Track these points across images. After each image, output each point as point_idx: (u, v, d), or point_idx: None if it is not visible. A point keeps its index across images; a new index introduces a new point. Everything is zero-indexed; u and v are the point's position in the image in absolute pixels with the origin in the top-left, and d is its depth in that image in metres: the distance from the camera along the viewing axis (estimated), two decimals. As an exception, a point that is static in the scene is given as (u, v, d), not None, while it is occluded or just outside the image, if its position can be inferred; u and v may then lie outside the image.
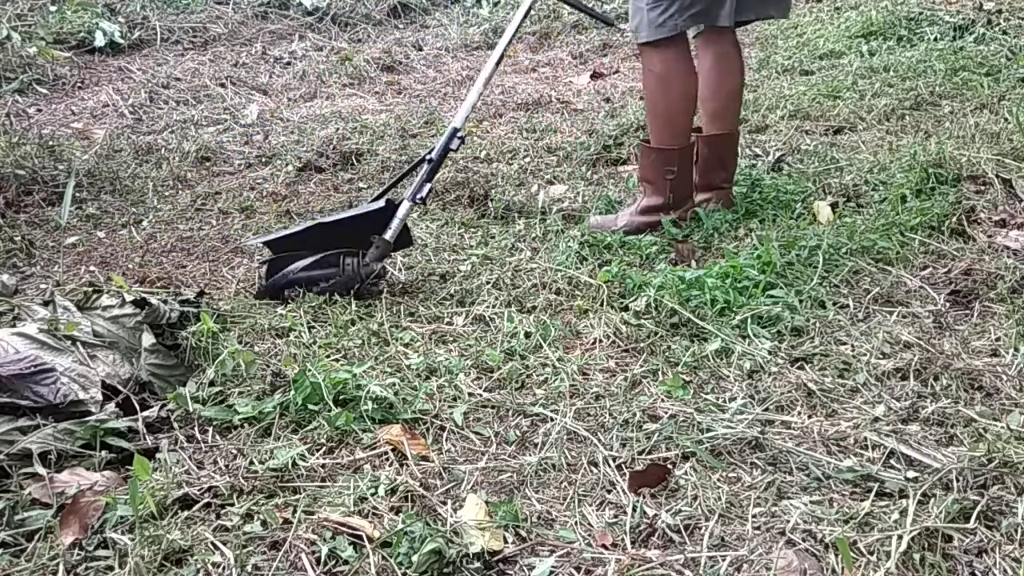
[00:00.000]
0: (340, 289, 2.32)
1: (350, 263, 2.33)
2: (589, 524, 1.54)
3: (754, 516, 1.53)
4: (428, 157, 2.46)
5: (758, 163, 3.16)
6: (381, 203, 2.40)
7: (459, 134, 2.47)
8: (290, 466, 1.68)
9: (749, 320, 2.12)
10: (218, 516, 1.57)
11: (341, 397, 1.87)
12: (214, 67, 4.91)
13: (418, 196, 2.42)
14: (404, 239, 2.44)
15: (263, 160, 3.59)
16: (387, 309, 2.30)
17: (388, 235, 2.36)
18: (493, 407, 1.89)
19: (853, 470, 1.61)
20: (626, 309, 2.22)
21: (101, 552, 1.49)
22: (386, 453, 1.74)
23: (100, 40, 5.15)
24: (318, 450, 1.75)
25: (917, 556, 1.40)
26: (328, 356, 2.06)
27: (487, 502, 1.58)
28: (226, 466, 1.71)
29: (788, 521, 1.50)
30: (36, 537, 1.53)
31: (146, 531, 1.49)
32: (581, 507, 1.58)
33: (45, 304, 2.11)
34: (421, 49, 5.42)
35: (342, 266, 2.33)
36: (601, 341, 2.12)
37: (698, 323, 2.13)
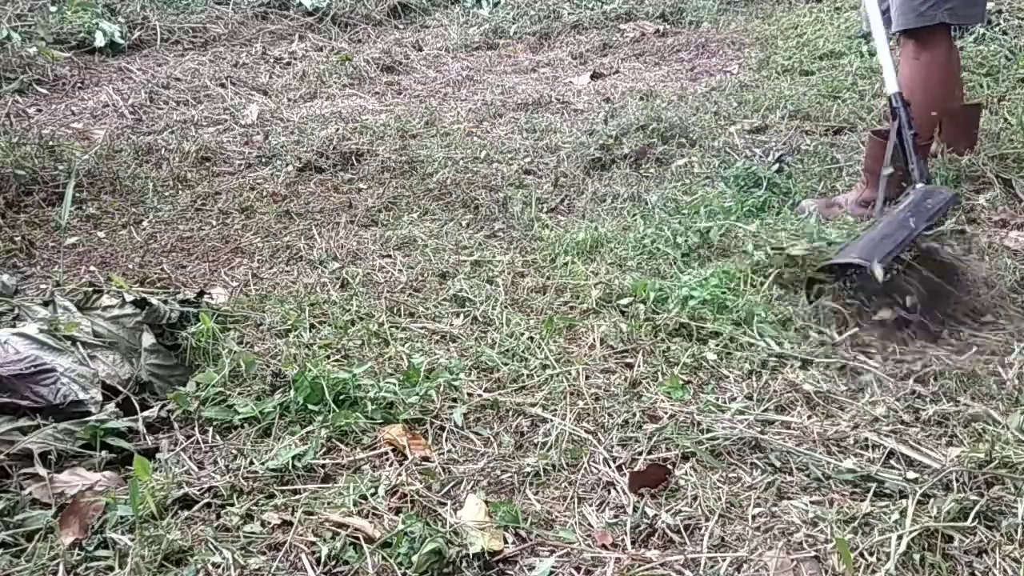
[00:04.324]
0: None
1: None
2: (589, 524, 1.54)
3: (754, 516, 1.53)
4: (903, 135, 2.39)
5: (758, 163, 3.16)
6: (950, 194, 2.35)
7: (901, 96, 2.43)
8: (290, 466, 1.68)
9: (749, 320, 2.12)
10: (218, 516, 1.57)
11: (341, 397, 1.87)
12: (214, 67, 4.91)
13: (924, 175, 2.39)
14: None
15: (263, 160, 3.59)
16: (387, 309, 2.30)
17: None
18: (493, 407, 1.89)
19: (853, 470, 1.61)
20: (625, 310, 2.22)
21: (101, 552, 1.49)
22: (386, 453, 1.74)
23: (100, 40, 5.16)
24: (318, 450, 1.75)
25: (917, 556, 1.40)
26: (328, 356, 2.07)
27: (487, 502, 1.58)
28: (226, 466, 1.71)
29: (788, 521, 1.51)
30: (36, 537, 1.53)
31: (146, 531, 1.49)
32: (581, 507, 1.58)
33: (45, 304, 2.11)
34: (421, 49, 5.42)
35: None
36: (601, 341, 2.12)
37: (698, 323, 2.13)
